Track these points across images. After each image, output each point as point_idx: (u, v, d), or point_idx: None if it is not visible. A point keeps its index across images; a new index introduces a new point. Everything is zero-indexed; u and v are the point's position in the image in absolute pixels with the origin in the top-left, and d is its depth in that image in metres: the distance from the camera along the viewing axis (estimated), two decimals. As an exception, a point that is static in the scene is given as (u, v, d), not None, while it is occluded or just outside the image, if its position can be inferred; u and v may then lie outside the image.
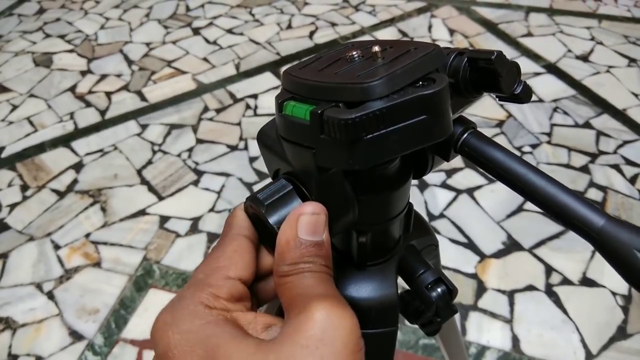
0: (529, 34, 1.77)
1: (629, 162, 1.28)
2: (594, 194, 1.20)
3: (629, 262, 0.20)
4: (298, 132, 0.25)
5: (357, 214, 0.28)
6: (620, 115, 1.43)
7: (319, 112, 0.22)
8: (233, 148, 1.39)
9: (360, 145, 0.22)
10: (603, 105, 1.46)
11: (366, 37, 1.81)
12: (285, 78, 0.26)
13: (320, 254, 0.24)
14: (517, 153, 1.31)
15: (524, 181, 0.24)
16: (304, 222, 0.24)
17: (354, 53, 0.26)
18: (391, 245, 0.33)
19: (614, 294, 1.00)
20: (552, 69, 1.61)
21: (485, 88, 0.25)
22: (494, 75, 0.24)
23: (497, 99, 0.26)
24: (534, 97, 1.48)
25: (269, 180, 0.28)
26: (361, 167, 0.23)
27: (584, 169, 1.26)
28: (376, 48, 0.25)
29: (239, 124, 1.47)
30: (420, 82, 0.23)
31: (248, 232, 0.27)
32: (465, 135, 0.26)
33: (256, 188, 1.27)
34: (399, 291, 0.33)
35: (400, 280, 0.33)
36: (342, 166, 0.23)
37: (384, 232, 0.31)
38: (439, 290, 0.30)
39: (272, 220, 0.26)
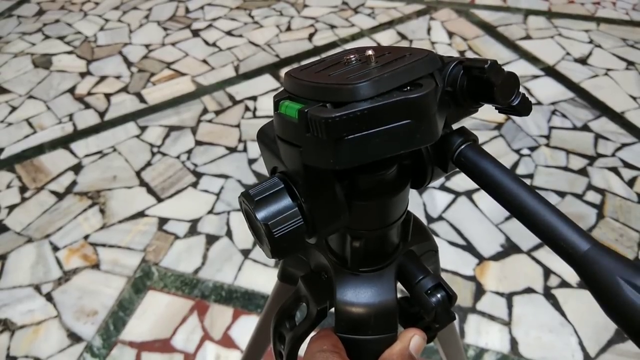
0: (528, 37, 1.77)
1: (627, 165, 1.29)
2: (592, 197, 1.20)
3: (610, 291, 0.19)
4: (289, 130, 0.25)
5: (349, 218, 0.28)
6: (618, 118, 1.43)
7: (306, 110, 0.23)
8: (232, 150, 1.39)
9: (342, 145, 0.22)
10: (601, 108, 1.47)
11: (365, 40, 1.81)
12: (286, 79, 0.27)
13: None
14: (516, 156, 1.31)
15: (513, 198, 0.23)
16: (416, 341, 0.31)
17: (352, 57, 0.26)
18: (388, 252, 0.33)
19: (612, 296, 1.00)
20: (551, 71, 1.61)
21: (481, 98, 0.24)
22: (488, 85, 0.23)
23: (496, 110, 0.25)
24: (532, 100, 1.49)
25: None
26: (343, 167, 0.23)
27: (582, 172, 1.26)
28: (370, 52, 0.25)
29: (238, 125, 1.47)
30: (408, 87, 0.23)
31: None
32: (463, 146, 0.26)
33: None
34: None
35: (398, 286, 0.34)
36: (325, 165, 0.23)
37: (380, 238, 0.31)
38: (438, 295, 0.30)
39: (259, 215, 0.26)
